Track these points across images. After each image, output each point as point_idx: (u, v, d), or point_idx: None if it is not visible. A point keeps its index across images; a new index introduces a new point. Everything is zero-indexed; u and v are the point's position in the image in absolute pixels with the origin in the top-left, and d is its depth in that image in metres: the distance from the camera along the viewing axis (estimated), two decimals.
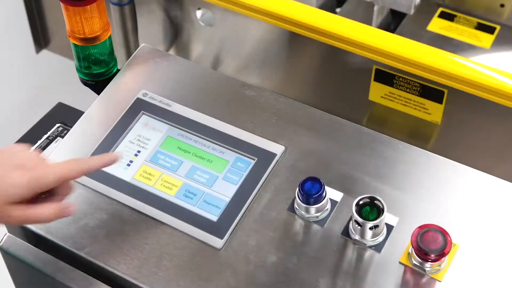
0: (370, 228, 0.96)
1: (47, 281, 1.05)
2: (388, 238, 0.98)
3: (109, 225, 1.02)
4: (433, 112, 1.31)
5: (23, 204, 0.85)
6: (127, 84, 1.16)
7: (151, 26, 1.56)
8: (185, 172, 1.06)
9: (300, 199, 0.99)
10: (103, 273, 1.00)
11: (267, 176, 1.04)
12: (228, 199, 1.03)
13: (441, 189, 1.02)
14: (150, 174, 1.06)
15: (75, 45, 1.13)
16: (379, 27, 1.47)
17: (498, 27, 1.51)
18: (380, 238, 0.98)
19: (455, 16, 1.54)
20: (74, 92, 1.58)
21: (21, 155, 0.88)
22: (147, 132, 1.10)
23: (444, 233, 0.92)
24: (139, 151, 1.08)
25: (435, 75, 1.25)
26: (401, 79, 1.30)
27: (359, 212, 0.95)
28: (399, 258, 0.96)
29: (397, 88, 1.32)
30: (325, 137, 1.08)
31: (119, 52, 1.58)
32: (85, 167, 0.91)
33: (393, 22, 1.54)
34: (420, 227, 0.93)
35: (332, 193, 1.02)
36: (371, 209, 0.95)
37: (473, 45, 1.48)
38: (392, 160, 1.05)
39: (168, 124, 1.11)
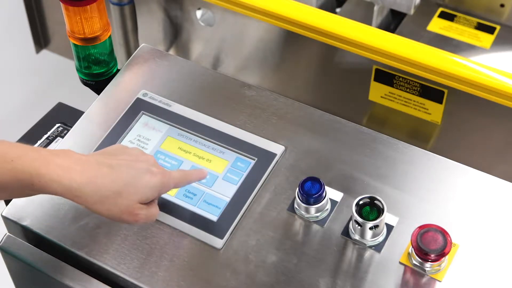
0: (370, 228, 0.96)
1: (47, 281, 1.05)
2: (388, 238, 0.98)
3: (109, 225, 1.02)
4: (433, 112, 1.31)
5: (145, 203, 0.92)
6: (127, 84, 1.16)
7: (151, 26, 1.56)
8: None
9: (300, 199, 0.99)
10: (103, 273, 1.00)
11: (267, 176, 1.04)
12: (228, 199, 1.03)
13: (441, 189, 1.02)
14: None
15: (75, 45, 1.13)
16: (379, 27, 1.48)
17: (498, 27, 1.51)
18: (380, 238, 0.98)
19: (455, 16, 1.54)
20: (74, 92, 1.58)
21: (143, 158, 0.94)
22: (147, 132, 1.10)
23: (444, 233, 0.92)
24: None
25: (435, 75, 1.25)
26: (401, 79, 1.30)
27: (359, 212, 0.95)
28: (399, 258, 0.96)
29: (397, 88, 1.32)
30: (325, 137, 1.08)
31: (119, 52, 1.58)
32: (189, 179, 0.99)
33: (393, 22, 1.55)
34: (420, 227, 0.93)
35: (332, 193, 1.02)
36: (371, 209, 0.95)
37: (473, 45, 1.48)
38: (392, 160, 1.05)
39: (168, 124, 1.11)
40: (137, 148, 0.98)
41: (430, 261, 0.93)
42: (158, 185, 0.92)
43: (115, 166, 0.91)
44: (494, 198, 1.01)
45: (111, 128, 1.11)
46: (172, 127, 1.10)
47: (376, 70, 1.32)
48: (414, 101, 1.32)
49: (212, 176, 1.05)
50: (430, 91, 1.29)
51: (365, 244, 0.98)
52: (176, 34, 1.54)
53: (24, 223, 1.04)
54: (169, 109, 1.12)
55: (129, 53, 1.58)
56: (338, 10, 1.58)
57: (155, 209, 0.94)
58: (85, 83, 1.19)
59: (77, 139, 1.11)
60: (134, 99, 1.13)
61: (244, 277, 0.97)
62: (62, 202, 1.05)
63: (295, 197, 1.01)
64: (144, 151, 1.08)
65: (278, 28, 1.37)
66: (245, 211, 1.02)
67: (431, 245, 0.92)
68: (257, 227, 1.00)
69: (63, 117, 1.25)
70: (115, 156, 0.93)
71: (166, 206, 1.03)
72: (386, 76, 1.32)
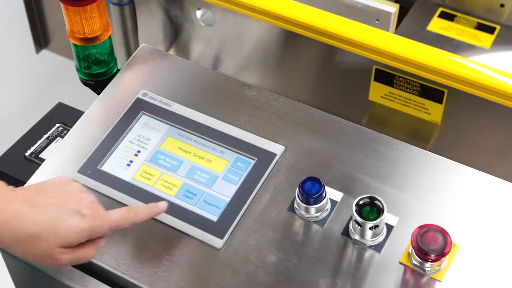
0: (370, 228, 0.96)
1: (47, 281, 1.05)
2: (388, 238, 0.98)
3: None
4: (433, 112, 1.31)
5: (70, 247, 0.87)
6: (127, 84, 1.16)
7: (151, 26, 1.56)
8: (185, 172, 1.06)
9: (300, 199, 0.99)
10: (103, 273, 1.00)
11: (267, 176, 1.04)
12: (228, 199, 1.03)
13: (441, 189, 1.02)
14: (150, 174, 1.06)
15: (75, 45, 1.13)
16: None
17: (498, 27, 1.51)
18: (380, 238, 0.98)
19: (455, 16, 1.54)
20: (74, 92, 1.58)
21: (77, 197, 0.88)
22: (147, 132, 1.10)
23: (444, 233, 0.92)
24: (139, 151, 1.08)
25: (435, 75, 1.25)
26: (401, 79, 1.30)
27: (359, 212, 0.95)
28: (399, 258, 0.96)
29: (397, 88, 1.32)
30: (325, 137, 1.08)
31: (119, 52, 1.58)
32: (135, 219, 0.92)
33: None
34: (420, 227, 0.93)
35: (332, 193, 1.02)
36: (371, 209, 0.95)
37: (473, 45, 1.48)
38: (392, 160, 1.05)
39: (168, 124, 1.11)
40: (78, 184, 0.92)
41: (430, 261, 0.93)
42: (85, 229, 0.86)
43: (40, 205, 0.85)
44: (494, 198, 1.01)
45: (111, 128, 1.11)
46: (172, 127, 1.10)
47: (376, 70, 1.32)
48: (414, 101, 1.32)
49: (212, 176, 1.05)
50: (430, 91, 1.29)
51: (365, 244, 0.98)
52: (176, 34, 1.54)
53: None
54: (169, 109, 1.12)
55: (129, 53, 1.58)
56: None
57: (85, 252, 0.88)
58: (85, 83, 1.19)
59: (77, 139, 1.11)
60: (134, 99, 1.13)
61: (244, 277, 0.97)
62: None
63: (295, 197, 1.01)
64: (144, 151, 1.08)
65: (278, 28, 1.37)
66: (245, 211, 1.02)
67: (431, 245, 0.92)
68: (257, 227, 1.00)
69: (63, 117, 1.24)
70: (47, 193, 0.87)
71: None
72: (386, 76, 1.32)
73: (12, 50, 2.06)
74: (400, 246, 0.97)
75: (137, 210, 0.93)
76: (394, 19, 1.36)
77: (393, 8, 1.35)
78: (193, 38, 1.52)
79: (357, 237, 0.98)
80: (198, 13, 1.46)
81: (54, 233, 0.84)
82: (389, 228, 0.98)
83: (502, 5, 1.53)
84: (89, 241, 0.88)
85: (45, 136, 1.21)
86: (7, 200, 0.85)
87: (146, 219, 0.94)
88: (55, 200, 0.86)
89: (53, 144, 1.19)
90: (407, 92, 1.31)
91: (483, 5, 1.54)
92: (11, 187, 0.87)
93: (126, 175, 1.06)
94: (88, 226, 0.86)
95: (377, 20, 1.35)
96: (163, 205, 0.96)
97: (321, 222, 1.00)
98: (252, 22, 1.39)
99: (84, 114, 1.14)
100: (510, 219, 0.99)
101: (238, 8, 1.36)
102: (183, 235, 1.01)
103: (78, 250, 0.87)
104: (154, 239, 1.01)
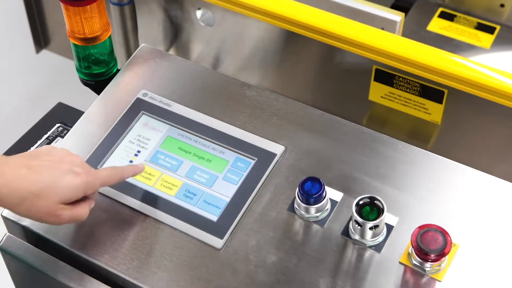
0: (370, 228, 0.96)
1: (47, 281, 1.05)
2: (388, 238, 0.98)
3: (109, 225, 1.02)
4: (433, 112, 1.31)
5: (68, 204, 0.92)
6: (127, 84, 1.16)
7: (151, 26, 1.56)
8: (185, 172, 1.06)
9: (300, 199, 0.99)
10: (103, 273, 1.00)
11: (267, 176, 1.04)
12: (228, 199, 1.03)
13: (441, 189, 1.02)
14: (150, 174, 1.06)
15: (75, 45, 1.13)
16: None
17: (498, 27, 1.51)
18: (380, 238, 0.98)
19: (455, 16, 1.54)
20: (74, 92, 1.58)
21: (68, 159, 0.94)
22: (147, 132, 1.10)
23: (444, 233, 0.92)
24: (139, 151, 1.08)
25: (435, 75, 1.25)
26: (401, 79, 1.30)
27: (359, 212, 0.95)
28: (399, 258, 0.96)
29: (397, 88, 1.32)
30: (325, 137, 1.08)
31: (119, 52, 1.58)
32: (121, 176, 0.99)
33: None
34: (420, 227, 0.93)
35: (332, 193, 1.02)
36: (371, 209, 0.95)
37: (473, 45, 1.48)
38: (392, 160, 1.05)
39: (168, 124, 1.11)
40: (65, 149, 0.97)
41: (430, 261, 0.93)
42: (81, 184, 0.92)
43: (35, 167, 0.90)
44: (494, 198, 1.01)
45: (111, 128, 1.11)
46: (172, 127, 1.10)
47: (376, 70, 1.32)
48: (414, 101, 1.32)
49: (212, 176, 1.05)
50: (430, 91, 1.29)
51: (365, 244, 0.98)
52: (176, 34, 1.54)
53: (24, 223, 1.04)
54: (169, 109, 1.12)
55: (129, 53, 1.58)
56: None
57: (81, 209, 0.94)
58: (85, 83, 1.19)
59: (77, 139, 1.11)
60: (134, 99, 1.13)
61: (244, 277, 0.97)
62: None
63: (295, 197, 1.01)
64: (144, 151, 1.08)
65: (278, 28, 1.37)
66: (245, 211, 1.02)
67: (431, 245, 0.92)
68: (257, 227, 1.00)
69: (63, 117, 1.25)
70: (39, 157, 0.93)
71: (166, 206, 1.03)
72: (386, 76, 1.32)
73: (12, 50, 2.06)
74: (400, 246, 0.97)
75: (122, 169, 1.00)
76: (399, 28, 1.36)
77: (399, 17, 1.34)
78: (193, 38, 1.52)
79: (357, 237, 0.98)
80: (198, 13, 1.46)
81: (53, 191, 0.90)
82: (389, 228, 0.98)
83: (502, 5, 1.53)
84: (83, 199, 0.94)
85: (45, 136, 1.21)
86: (3, 165, 0.90)
87: (130, 176, 1.01)
88: (49, 162, 0.92)
89: (53, 144, 1.19)
90: (407, 92, 1.31)
91: (483, 5, 1.54)
92: (2, 155, 0.92)
93: None
94: (83, 182, 0.92)
95: (382, 28, 1.35)
96: (142, 164, 1.03)
97: (321, 222, 1.00)
98: (252, 22, 1.39)
99: (84, 114, 1.14)
100: (510, 219, 0.99)
101: (238, 8, 1.36)
102: (183, 235, 1.01)
103: (75, 207, 0.93)
104: (154, 239, 1.01)
